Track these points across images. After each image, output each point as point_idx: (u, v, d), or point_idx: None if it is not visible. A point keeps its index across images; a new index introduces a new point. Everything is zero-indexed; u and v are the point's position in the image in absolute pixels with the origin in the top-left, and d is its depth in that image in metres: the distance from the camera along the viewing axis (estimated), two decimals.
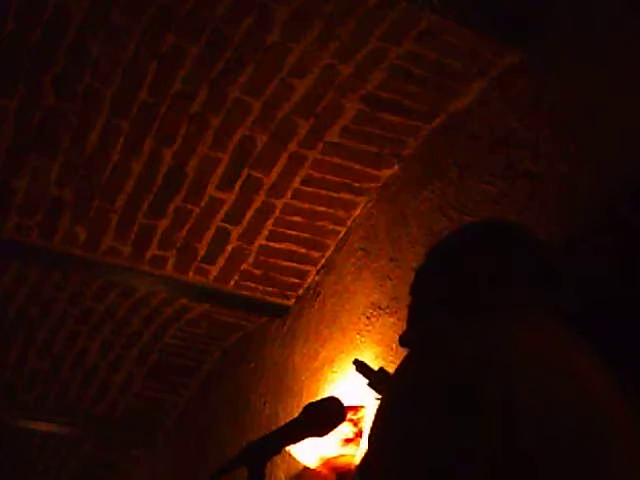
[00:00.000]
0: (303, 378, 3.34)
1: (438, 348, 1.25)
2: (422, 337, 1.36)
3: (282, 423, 1.58)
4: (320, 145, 3.05)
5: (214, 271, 3.50)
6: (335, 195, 3.21)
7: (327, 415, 1.54)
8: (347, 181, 3.16)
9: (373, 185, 3.16)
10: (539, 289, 1.43)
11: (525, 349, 1.23)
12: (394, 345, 2.79)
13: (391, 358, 2.78)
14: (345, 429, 2.76)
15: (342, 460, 2.84)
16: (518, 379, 1.17)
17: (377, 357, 2.86)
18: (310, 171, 3.14)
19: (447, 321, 1.36)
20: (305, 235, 3.36)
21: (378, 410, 1.28)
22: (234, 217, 3.31)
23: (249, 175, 3.17)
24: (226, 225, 3.34)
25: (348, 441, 2.80)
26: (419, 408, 1.19)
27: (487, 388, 1.15)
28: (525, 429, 1.13)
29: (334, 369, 3.14)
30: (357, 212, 3.25)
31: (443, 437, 1.15)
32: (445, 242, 1.59)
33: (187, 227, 3.34)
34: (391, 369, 2.75)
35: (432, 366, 1.22)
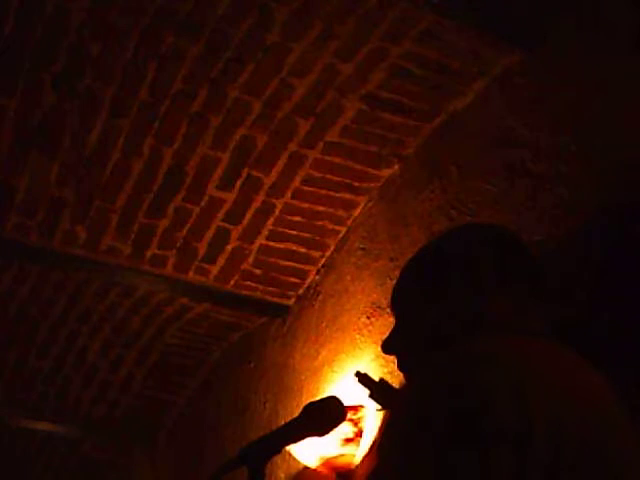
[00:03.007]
0: (303, 378, 3.34)
1: (445, 373, 1.17)
2: (430, 362, 1.28)
3: (282, 423, 1.58)
4: (320, 145, 3.05)
5: (214, 271, 3.50)
6: (335, 195, 3.21)
7: (327, 415, 1.54)
8: (347, 181, 3.16)
9: (373, 185, 3.16)
10: (538, 304, 1.34)
11: (537, 372, 1.15)
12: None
13: (391, 358, 2.77)
14: (345, 429, 2.76)
15: (342, 460, 2.84)
16: (533, 407, 1.09)
17: (377, 357, 2.86)
18: (310, 171, 3.14)
19: (452, 344, 1.25)
20: (305, 235, 3.36)
21: (386, 431, 1.22)
22: (234, 217, 3.31)
23: (249, 175, 3.17)
24: (226, 225, 3.34)
25: (348, 441, 2.80)
26: (425, 437, 1.10)
27: (500, 417, 1.08)
28: (542, 460, 1.06)
29: (334, 369, 3.13)
30: (357, 212, 3.25)
31: (449, 465, 1.08)
32: (431, 253, 1.45)
33: (187, 227, 3.34)
34: (391, 371, 2.75)
35: (439, 392, 1.14)
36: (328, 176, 3.15)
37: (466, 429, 1.08)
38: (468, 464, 1.07)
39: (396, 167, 3.08)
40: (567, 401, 1.14)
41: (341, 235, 3.33)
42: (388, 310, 2.89)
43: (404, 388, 1.30)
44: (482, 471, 1.06)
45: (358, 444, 2.82)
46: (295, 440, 1.54)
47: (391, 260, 2.96)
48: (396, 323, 1.49)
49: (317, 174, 3.15)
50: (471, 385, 1.12)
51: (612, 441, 1.15)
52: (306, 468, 3.07)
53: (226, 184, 3.19)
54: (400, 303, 1.48)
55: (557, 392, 1.14)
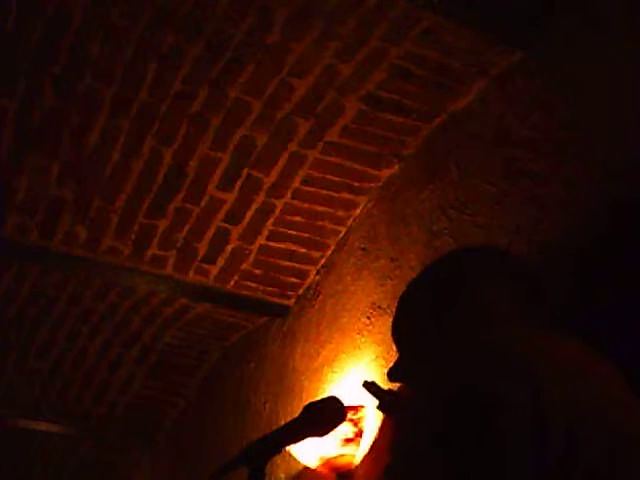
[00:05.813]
0: (303, 378, 3.34)
1: (464, 361, 1.22)
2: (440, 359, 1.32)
3: (282, 423, 1.58)
4: (320, 145, 3.05)
5: (214, 271, 3.50)
6: (335, 195, 3.21)
7: (327, 415, 1.54)
8: (347, 181, 3.16)
9: (373, 185, 3.16)
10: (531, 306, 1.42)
11: (550, 358, 1.20)
12: (394, 345, 2.78)
13: (391, 358, 2.77)
14: (345, 429, 2.76)
15: (342, 460, 2.84)
16: (549, 387, 1.15)
17: (377, 357, 2.86)
18: (310, 171, 3.14)
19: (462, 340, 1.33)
20: (305, 235, 3.36)
21: (400, 431, 1.25)
22: (234, 217, 3.31)
23: (249, 175, 3.17)
24: (226, 225, 3.34)
25: (348, 441, 2.80)
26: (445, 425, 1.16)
27: (518, 398, 1.12)
28: (558, 437, 1.11)
29: (334, 369, 3.13)
30: (357, 212, 3.26)
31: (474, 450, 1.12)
32: (426, 280, 1.53)
33: (187, 227, 3.34)
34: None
35: (457, 380, 1.19)
36: (328, 176, 3.15)
37: (485, 430, 1.11)
38: (486, 464, 1.10)
39: (396, 167, 3.08)
40: (580, 392, 1.17)
41: (341, 235, 3.33)
42: (388, 310, 2.90)
43: (413, 396, 1.32)
44: (499, 469, 1.09)
45: (358, 444, 2.82)
46: (295, 440, 1.54)
47: (391, 260, 2.96)
48: (401, 352, 1.51)
49: (317, 174, 3.15)
50: (491, 387, 1.15)
51: (625, 428, 1.18)
52: (306, 468, 3.06)
53: (226, 184, 3.19)
54: (405, 334, 1.52)
55: (570, 385, 1.17)
